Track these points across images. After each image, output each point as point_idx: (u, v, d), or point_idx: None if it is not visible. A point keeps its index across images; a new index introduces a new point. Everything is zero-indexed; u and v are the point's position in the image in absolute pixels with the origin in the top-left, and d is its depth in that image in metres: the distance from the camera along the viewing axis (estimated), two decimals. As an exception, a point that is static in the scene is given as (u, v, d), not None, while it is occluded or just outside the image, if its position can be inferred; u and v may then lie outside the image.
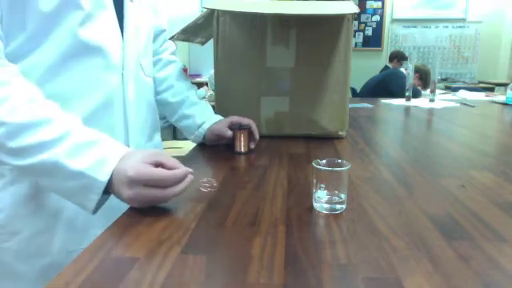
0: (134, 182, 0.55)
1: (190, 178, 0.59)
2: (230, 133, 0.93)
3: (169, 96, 0.99)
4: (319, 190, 0.59)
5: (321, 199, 0.59)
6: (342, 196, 0.59)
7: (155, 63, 0.99)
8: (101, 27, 0.68)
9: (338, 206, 0.59)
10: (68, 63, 0.65)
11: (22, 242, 0.66)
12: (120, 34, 0.73)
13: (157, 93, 0.99)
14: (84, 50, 0.67)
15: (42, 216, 0.67)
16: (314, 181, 0.60)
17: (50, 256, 0.68)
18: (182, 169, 0.58)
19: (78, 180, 0.56)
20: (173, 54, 1.05)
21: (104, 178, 0.56)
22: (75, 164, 0.55)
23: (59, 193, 0.60)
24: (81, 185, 0.56)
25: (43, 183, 0.60)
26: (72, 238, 0.69)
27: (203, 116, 0.99)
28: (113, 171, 0.56)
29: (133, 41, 0.77)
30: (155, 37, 0.96)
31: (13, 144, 0.54)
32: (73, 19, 0.64)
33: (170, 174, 0.57)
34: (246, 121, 0.97)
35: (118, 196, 0.58)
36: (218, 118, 1.00)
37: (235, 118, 0.98)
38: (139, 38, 0.80)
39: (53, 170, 0.55)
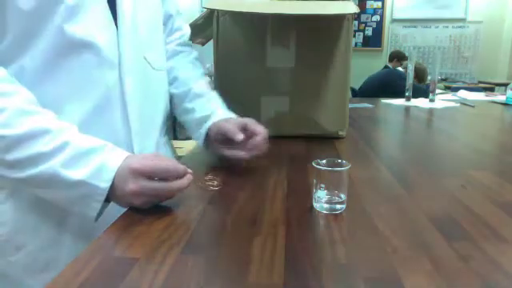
0: (138, 174, 0.55)
1: (190, 176, 0.59)
2: (240, 136, 0.73)
3: (172, 88, 0.89)
4: (319, 190, 0.59)
5: (321, 199, 0.59)
6: (342, 196, 0.59)
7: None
8: (90, 20, 0.63)
9: (338, 206, 0.59)
10: (57, 64, 0.62)
11: (28, 256, 0.64)
12: (114, 27, 0.67)
13: None
14: (73, 48, 0.62)
15: (46, 228, 0.65)
16: (314, 181, 0.59)
17: (58, 269, 0.67)
18: (182, 166, 0.59)
19: (79, 189, 0.55)
20: (183, 43, 0.93)
21: (105, 184, 0.55)
22: (75, 174, 0.55)
23: (60, 202, 0.59)
24: (82, 193, 0.56)
25: (43, 194, 0.59)
26: (80, 249, 0.68)
27: (206, 109, 0.83)
28: (114, 176, 0.56)
29: (130, 33, 0.70)
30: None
31: (10, 157, 0.54)
32: (57, 14, 0.59)
33: (173, 165, 0.57)
34: (259, 128, 0.77)
35: (120, 197, 0.57)
36: (229, 114, 0.84)
37: (250, 123, 0.78)
38: (138, 29, 0.73)
39: (52, 180, 0.55)
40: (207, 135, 0.82)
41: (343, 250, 0.47)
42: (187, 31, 0.95)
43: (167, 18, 0.88)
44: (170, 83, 0.89)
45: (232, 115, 0.84)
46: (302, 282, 0.41)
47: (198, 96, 0.87)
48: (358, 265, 0.44)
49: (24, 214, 0.64)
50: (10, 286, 0.66)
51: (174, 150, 0.95)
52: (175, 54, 0.91)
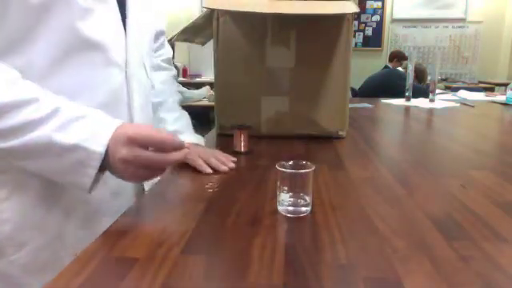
0: (133, 141, 0.54)
1: (186, 150, 0.58)
2: (209, 170, 0.79)
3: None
4: (282, 193, 0.58)
5: (284, 202, 0.58)
6: (307, 198, 0.58)
7: None
8: (101, 22, 0.64)
9: (303, 209, 0.58)
10: (66, 60, 0.62)
11: (29, 255, 0.63)
12: (123, 31, 0.69)
13: None
14: (83, 47, 0.63)
15: (50, 225, 0.64)
16: (278, 183, 0.58)
17: (57, 269, 0.66)
18: (179, 139, 0.58)
19: (73, 154, 0.54)
20: (167, 61, 0.99)
21: (100, 148, 0.54)
22: (69, 138, 0.53)
23: (52, 173, 0.57)
24: (76, 159, 0.54)
25: (34, 165, 0.57)
26: (81, 248, 0.67)
27: (177, 125, 0.90)
28: (109, 141, 0.55)
29: (136, 39, 0.73)
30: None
31: None
32: (69, 12, 0.59)
33: (170, 136, 0.56)
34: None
35: (112, 164, 0.55)
36: (198, 138, 0.91)
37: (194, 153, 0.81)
38: (143, 37, 0.76)
39: (45, 147, 0.53)
40: None
41: (343, 250, 0.47)
42: (170, 50, 1.02)
43: (160, 34, 0.93)
44: None
45: (201, 138, 0.91)
46: (301, 282, 0.41)
47: (172, 110, 0.93)
48: (358, 265, 0.44)
49: (28, 210, 0.63)
50: (7, 285, 0.65)
51: None
52: (159, 68, 0.96)
